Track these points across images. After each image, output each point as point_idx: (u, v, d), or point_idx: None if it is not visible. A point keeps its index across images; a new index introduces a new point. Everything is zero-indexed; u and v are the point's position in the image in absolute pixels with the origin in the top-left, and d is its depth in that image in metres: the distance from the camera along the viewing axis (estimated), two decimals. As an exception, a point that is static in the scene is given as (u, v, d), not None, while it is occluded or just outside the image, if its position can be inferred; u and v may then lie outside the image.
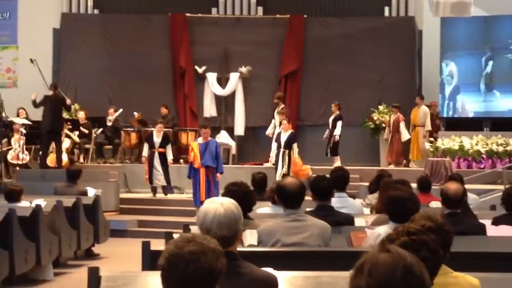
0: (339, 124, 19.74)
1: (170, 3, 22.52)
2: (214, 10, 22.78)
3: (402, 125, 20.03)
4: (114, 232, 14.27)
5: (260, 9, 22.72)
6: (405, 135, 19.99)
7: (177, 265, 2.86)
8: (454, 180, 9.99)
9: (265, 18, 22.55)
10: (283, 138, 18.04)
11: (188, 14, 22.29)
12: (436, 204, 9.77)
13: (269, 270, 4.10)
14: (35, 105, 18.47)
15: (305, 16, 22.21)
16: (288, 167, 17.73)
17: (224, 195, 6.63)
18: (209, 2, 22.81)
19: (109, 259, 12.79)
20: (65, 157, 18.42)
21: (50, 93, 17.84)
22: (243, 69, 21.77)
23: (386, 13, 22.34)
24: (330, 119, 19.89)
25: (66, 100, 18.27)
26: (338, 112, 19.83)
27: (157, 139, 17.83)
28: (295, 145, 18.23)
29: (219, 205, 3.86)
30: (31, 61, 17.55)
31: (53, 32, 22.81)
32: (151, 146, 17.83)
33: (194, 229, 7.32)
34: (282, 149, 17.88)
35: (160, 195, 17.95)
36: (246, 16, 22.72)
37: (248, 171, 17.50)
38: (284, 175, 17.45)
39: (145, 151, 17.97)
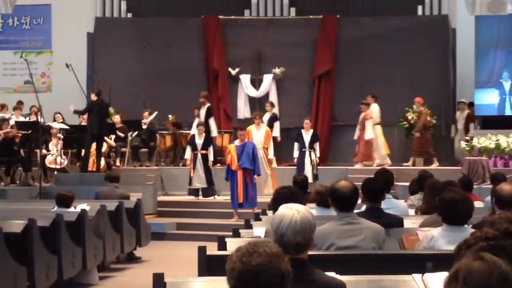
0: (276, 124, 20.02)
1: (203, 5, 22.56)
2: (246, 12, 22.78)
3: (367, 123, 19.75)
4: (153, 235, 14.28)
5: (292, 10, 22.66)
6: (368, 133, 19.72)
7: (249, 282, 2.87)
8: (498, 180, 10.05)
9: (298, 18, 22.51)
10: (306, 138, 18.08)
11: (221, 17, 22.33)
12: (478, 204, 9.73)
13: (332, 274, 4.12)
14: (81, 112, 18.40)
15: (338, 16, 22.16)
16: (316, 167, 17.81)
17: (274, 198, 6.67)
18: (241, 4, 22.80)
19: (151, 262, 12.83)
20: (102, 161, 18.51)
21: (94, 98, 17.80)
22: (277, 70, 21.77)
23: (419, 12, 22.24)
24: (265, 119, 19.73)
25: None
26: (273, 112, 19.91)
27: (199, 141, 17.74)
28: (317, 145, 18.27)
29: (296, 212, 3.89)
30: (67, 66, 17.60)
31: (87, 37, 22.94)
32: (194, 148, 17.77)
33: (244, 233, 7.37)
34: (307, 150, 17.91)
35: (200, 197, 17.79)
36: (279, 17, 22.70)
37: (285, 172, 17.61)
38: (315, 176, 17.54)
39: (188, 154, 17.88)
